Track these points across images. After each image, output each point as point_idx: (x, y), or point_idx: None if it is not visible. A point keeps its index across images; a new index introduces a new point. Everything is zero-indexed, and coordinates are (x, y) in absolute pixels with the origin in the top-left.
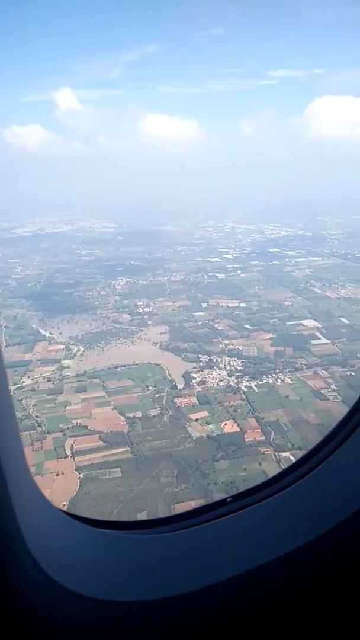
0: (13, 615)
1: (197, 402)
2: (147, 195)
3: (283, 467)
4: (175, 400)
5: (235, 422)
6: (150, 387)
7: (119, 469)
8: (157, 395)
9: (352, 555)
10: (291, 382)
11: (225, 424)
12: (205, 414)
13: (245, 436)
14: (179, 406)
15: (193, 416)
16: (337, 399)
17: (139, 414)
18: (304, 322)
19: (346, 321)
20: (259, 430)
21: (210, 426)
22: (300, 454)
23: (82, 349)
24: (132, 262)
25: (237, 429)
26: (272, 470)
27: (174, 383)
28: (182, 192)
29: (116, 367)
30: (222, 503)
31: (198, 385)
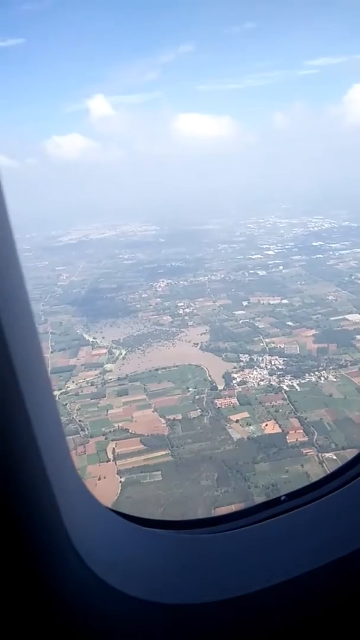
0: (59, 612)
1: (237, 402)
2: (186, 195)
3: (326, 469)
4: (216, 401)
5: (277, 422)
6: (190, 389)
7: (159, 472)
8: (197, 397)
9: None
10: (335, 379)
11: (267, 425)
12: (245, 414)
13: (287, 437)
14: (219, 407)
15: (233, 417)
16: None
17: (180, 416)
18: (349, 316)
19: None
20: (302, 430)
21: (251, 427)
22: (344, 454)
23: (124, 352)
24: (173, 264)
25: (279, 430)
26: (316, 472)
27: (214, 384)
28: (222, 190)
29: (157, 369)
30: (276, 502)
31: (238, 385)
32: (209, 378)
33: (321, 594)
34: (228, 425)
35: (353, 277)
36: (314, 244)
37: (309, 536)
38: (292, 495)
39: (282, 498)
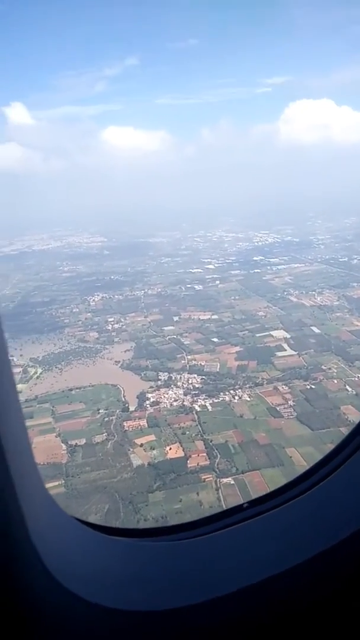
0: (24, 623)
1: (146, 425)
2: (136, 207)
3: (222, 495)
4: (124, 423)
5: (181, 445)
6: (101, 411)
7: None
8: (106, 419)
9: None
10: (249, 399)
11: (170, 449)
12: (151, 437)
13: (188, 462)
14: (126, 430)
15: (139, 441)
16: (292, 415)
17: (83, 441)
18: (274, 333)
19: (317, 330)
20: (205, 454)
21: (154, 452)
22: (243, 478)
23: (39, 371)
24: (112, 277)
25: (182, 454)
26: (210, 500)
27: (126, 405)
28: (172, 203)
29: (71, 389)
30: (238, 509)
31: (151, 406)
32: (123, 398)
33: (286, 597)
34: (131, 450)
35: (285, 293)
36: (255, 258)
37: (271, 542)
38: (253, 503)
39: (245, 505)
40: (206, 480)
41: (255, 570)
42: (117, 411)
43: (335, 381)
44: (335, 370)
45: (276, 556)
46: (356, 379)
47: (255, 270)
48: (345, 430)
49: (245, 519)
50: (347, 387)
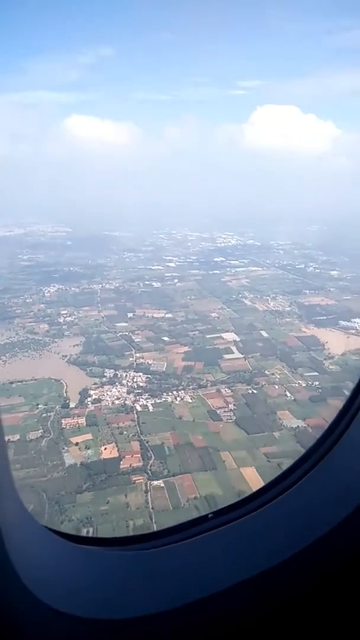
0: None
1: (84, 423)
2: (104, 200)
3: (150, 498)
4: (62, 420)
5: (117, 446)
6: (40, 406)
7: None
8: (44, 415)
9: (330, 570)
10: (191, 400)
11: (105, 449)
12: (88, 436)
13: (121, 462)
14: (63, 428)
15: (75, 439)
16: (231, 419)
17: (17, 437)
18: (224, 335)
19: (266, 335)
20: (139, 455)
21: (89, 451)
22: (173, 481)
23: None
24: (71, 269)
25: (116, 454)
26: (138, 502)
27: (67, 401)
28: (140, 198)
29: (12, 382)
30: (203, 519)
31: (92, 404)
32: (65, 394)
33: (247, 605)
34: (66, 448)
35: (240, 296)
36: (216, 259)
37: (233, 552)
38: (217, 514)
39: (210, 515)
40: (137, 482)
41: (225, 576)
42: (57, 407)
43: (277, 386)
44: (278, 376)
45: (237, 566)
46: (297, 385)
47: (215, 271)
48: (278, 435)
49: (210, 529)
50: (287, 392)
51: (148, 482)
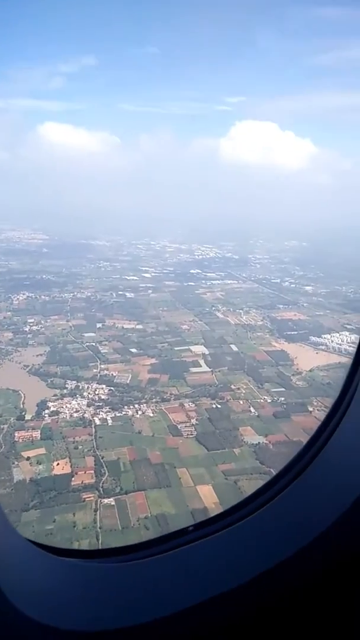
0: None
1: (38, 436)
2: (83, 208)
3: (99, 517)
4: (16, 433)
5: (70, 461)
6: None
7: None
8: None
9: (312, 581)
10: (152, 414)
11: (58, 464)
12: (41, 451)
13: (73, 479)
14: (16, 441)
15: (27, 453)
16: (191, 435)
17: None
18: (193, 348)
19: (235, 349)
20: (92, 471)
21: (40, 466)
22: (125, 499)
23: None
24: (44, 276)
25: (69, 470)
26: (86, 521)
27: (23, 413)
28: (122, 208)
29: None
30: (183, 532)
31: (49, 416)
32: (22, 406)
33: (228, 615)
34: (16, 463)
35: (213, 309)
36: (192, 271)
37: (211, 565)
38: (198, 526)
39: (190, 528)
40: (87, 499)
41: (206, 587)
42: (12, 419)
43: (241, 402)
44: (244, 391)
45: (217, 578)
46: (261, 400)
47: (190, 283)
48: (238, 452)
49: (190, 541)
50: (252, 408)
51: (98, 500)
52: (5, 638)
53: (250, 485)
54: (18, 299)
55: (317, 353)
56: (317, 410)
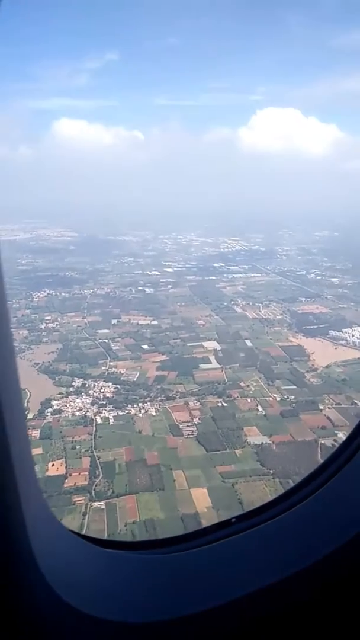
0: (21, 633)
1: (38, 436)
2: (114, 204)
3: (87, 521)
4: None
5: (66, 462)
6: None
7: None
8: None
9: (353, 577)
10: (155, 413)
11: (53, 465)
12: (39, 451)
13: (66, 481)
14: None
15: None
16: (192, 435)
17: None
18: (206, 343)
19: (250, 344)
20: (87, 473)
21: (35, 467)
22: (116, 502)
23: None
24: (67, 273)
25: (63, 471)
26: (73, 526)
27: (26, 412)
28: (150, 203)
29: None
30: (227, 523)
31: (52, 415)
32: (25, 405)
33: (274, 608)
34: None
35: (232, 303)
36: (215, 265)
37: (257, 555)
38: (241, 518)
39: (233, 520)
40: (77, 502)
41: (250, 580)
42: None
43: (249, 400)
44: (253, 388)
45: (262, 570)
46: (270, 398)
47: (211, 277)
48: (239, 453)
49: (233, 534)
50: (259, 407)
51: (89, 504)
52: (48, 625)
53: (248, 489)
54: (38, 296)
55: (335, 348)
56: (328, 408)
